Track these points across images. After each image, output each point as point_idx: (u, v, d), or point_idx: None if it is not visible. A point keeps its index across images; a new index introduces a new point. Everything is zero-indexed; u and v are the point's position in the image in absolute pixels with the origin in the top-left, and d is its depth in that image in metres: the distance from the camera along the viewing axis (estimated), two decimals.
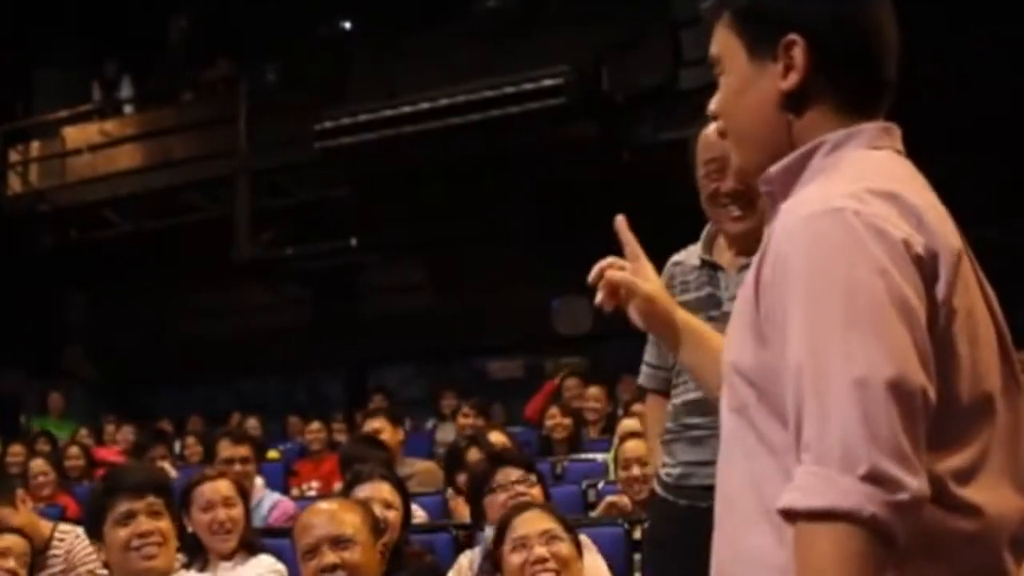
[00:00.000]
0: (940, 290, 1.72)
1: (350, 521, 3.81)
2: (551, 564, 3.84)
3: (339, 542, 3.73)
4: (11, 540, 4.82)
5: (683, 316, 2.41)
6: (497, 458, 4.93)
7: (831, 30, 1.86)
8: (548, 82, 11.07)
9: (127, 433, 11.78)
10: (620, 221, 2.28)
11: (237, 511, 4.81)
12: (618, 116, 11.42)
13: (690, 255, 3.65)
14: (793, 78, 1.87)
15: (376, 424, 7.35)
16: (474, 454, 5.86)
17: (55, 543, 5.26)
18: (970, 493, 1.75)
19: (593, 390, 9.64)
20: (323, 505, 3.98)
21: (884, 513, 1.58)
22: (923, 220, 1.73)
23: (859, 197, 1.72)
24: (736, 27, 1.94)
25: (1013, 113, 9.87)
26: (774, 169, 1.90)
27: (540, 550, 3.84)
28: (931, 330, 1.69)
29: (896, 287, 1.66)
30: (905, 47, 1.95)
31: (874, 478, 1.58)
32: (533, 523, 3.94)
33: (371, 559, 3.78)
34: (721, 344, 2.15)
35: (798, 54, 1.86)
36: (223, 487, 4.85)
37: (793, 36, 1.86)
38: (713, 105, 2.03)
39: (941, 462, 1.72)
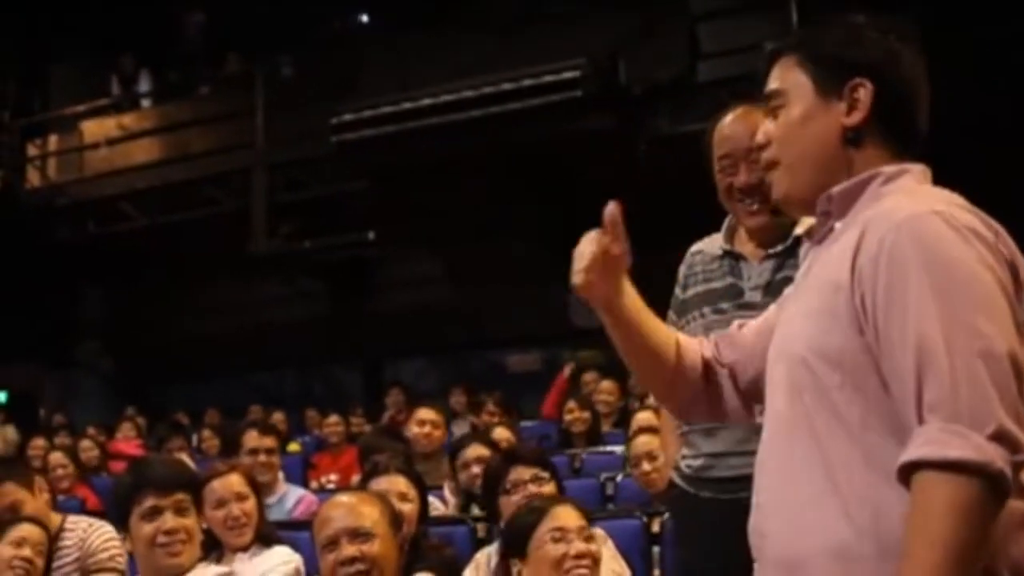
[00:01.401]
0: (1021, 294, 1.95)
1: (369, 514, 3.80)
2: (587, 561, 3.82)
3: (358, 535, 3.72)
4: (27, 529, 4.79)
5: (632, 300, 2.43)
6: (511, 456, 4.89)
7: (891, 80, 2.15)
8: (565, 75, 11.04)
9: (127, 430, 11.77)
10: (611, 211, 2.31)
11: (250, 504, 4.81)
12: (635, 109, 11.39)
13: (711, 244, 3.66)
14: (856, 116, 2.14)
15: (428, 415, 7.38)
16: (477, 450, 5.86)
17: (65, 534, 5.26)
18: None
19: (606, 383, 9.68)
20: (342, 498, 3.98)
21: (1008, 469, 1.77)
22: (999, 233, 1.98)
23: (949, 206, 1.98)
24: (807, 67, 2.21)
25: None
26: (836, 191, 2.14)
27: (581, 545, 3.83)
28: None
29: (1000, 280, 1.91)
30: None
31: (1001, 437, 1.78)
32: (571, 517, 3.92)
33: (390, 552, 3.77)
34: (660, 334, 2.39)
35: (864, 96, 2.13)
36: (235, 482, 4.84)
37: (861, 80, 2.14)
38: (762, 136, 2.26)
39: None
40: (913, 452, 1.81)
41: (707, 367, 2.42)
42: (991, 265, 1.90)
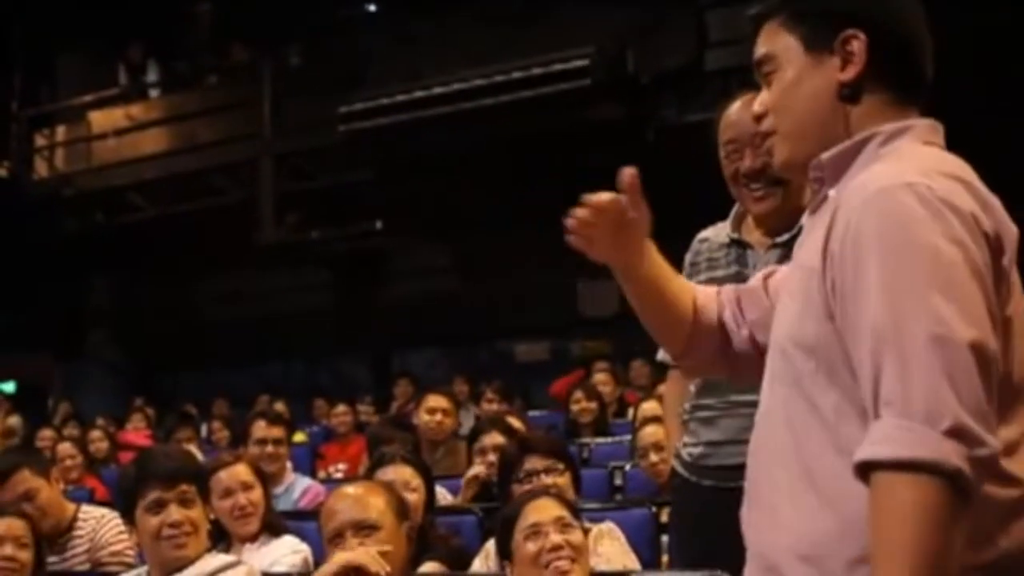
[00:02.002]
0: (1004, 268, 1.83)
1: (375, 505, 3.80)
2: (566, 552, 3.72)
3: (363, 527, 3.71)
4: (5, 525, 4.55)
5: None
6: (526, 445, 4.87)
7: (886, 28, 2.02)
8: (573, 64, 11.03)
9: (138, 420, 11.79)
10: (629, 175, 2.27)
11: (256, 494, 4.82)
12: (643, 97, 11.37)
13: (718, 232, 3.66)
14: (851, 70, 2.01)
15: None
16: (495, 437, 5.84)
17: (79, 524, 5.25)
18: (1014, 466, 1.81)
19: (600, 375, 9.70)
20: (348, 490, 3.97)
21: (966, 467, 1.66)
22: (988, 202, 1.85)
23: (929, 175, 1.83)
24: (792, 24, 2.09)
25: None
26: (826, 156, 2.02)
27: (555, 537, 3.73)
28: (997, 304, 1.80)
29: (972, 256, 1.77)
30: None
31: (957, 433, 1.67)
32: (546, 510, 3.83)
33: (397, 543, 3.76)
34: (682, 289, 2.33)
35: (857, 47, 2.01)
36: (241, 472, 4.86)
37: (853, 31, 2.01)
38: (758, 106, 2.16)
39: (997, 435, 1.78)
40: (867, 450, 1.72)
41: (723, 328, 2.34)
42: (960, 241, 1.76)
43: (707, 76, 10.83)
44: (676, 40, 11.12)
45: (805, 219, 2.17)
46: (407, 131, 11.83)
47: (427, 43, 12.39)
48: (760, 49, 2.15)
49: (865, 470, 1.72)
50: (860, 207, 1.83)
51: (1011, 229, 1.87)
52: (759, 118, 2.17)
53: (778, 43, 2.11)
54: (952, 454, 1.65)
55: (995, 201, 1.88)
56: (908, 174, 1.83)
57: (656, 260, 2.33)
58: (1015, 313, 1.83)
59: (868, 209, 1.82)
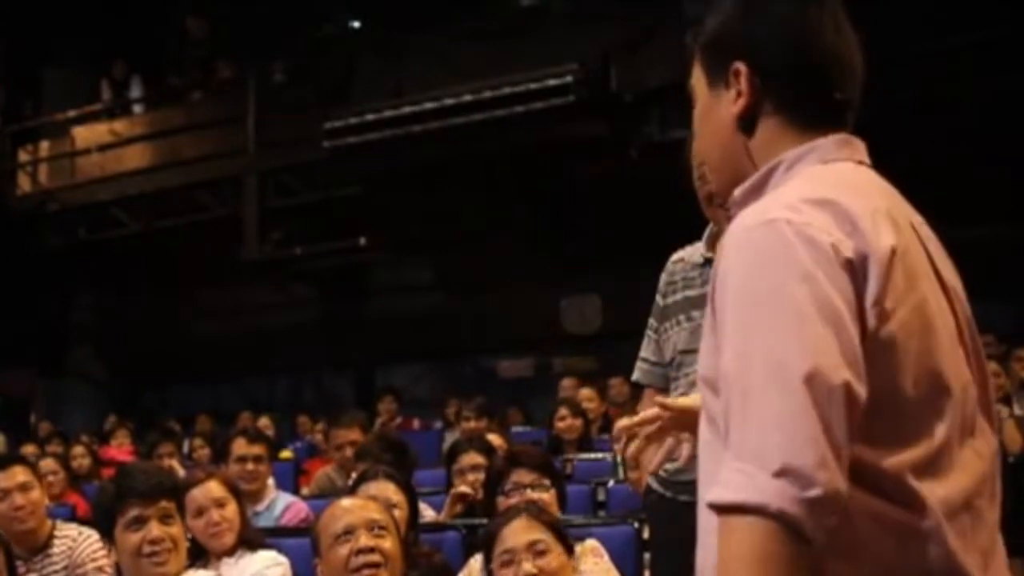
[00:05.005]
0: (872, 291, 1.77)
1: (381, 512, 3.87)
2: None
3: (375, 527, 3.75)
4: None
5: None
6: (514, 459, 4.88)
7: (775, 56, 1.99)
8: (556, 81, 11.06)
9: (122, 437, 11.74)
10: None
11: (230, 509, 4.81)
12: (626, 115, 11.40)
13: (693, 253, 3.70)
14: (740, 102, 2.00)
15: None
16: (473, 457, 5.83)
17: (55, 541, 5.25)
18: (932, 485, 1.78)
19: (585, 391, 9.71)
20: (350, 499, 4.01)
21: (794, 508, 1.62)
22: (857, 225, 1.80)
23: (793, 207, 1.80)
24: (700, 59, 2.10)
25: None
26: (738, 192, 2.02)
27: (527, 566, 3.73)
28: (864, 329, 1.75)
29: (820, 291, 1.72)
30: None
31: (786, 474, 1.63)
32: (520, 534, 3.82)
33: (399, 552, 3.80)
34: None
35: (744, 80, 1.99)
36: (213, 488, 4.85)
37: (739, 64, 1.99)
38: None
39: (898, 456, 1.76)
40: (711, 492, 1.72)
41: None
42: (811, 277, 1.72)
43: (690, 94, 10.85)
44: (659, 57, 11.13)
45: None
46: (391, 147, 11.84)
47: (411, 59, 12.41)
48: (690, 80, 2.16)
49: (715, 512, 1.71)
50: (730, 247, 1.83)
51: (882, 245, 1.80)
52: None
53: (695, 74, 2.13)
54: (776, 497, 1.63)
55: (872, 218, 1.82)
56: (773, 209, 1.81)
57: None
58: (900, 331, 1.80)
59: (731, 250, 1.82)
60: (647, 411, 2.48)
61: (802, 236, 1.75)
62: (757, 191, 1.98)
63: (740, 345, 1.74)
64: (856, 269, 1.77)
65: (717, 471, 1.80)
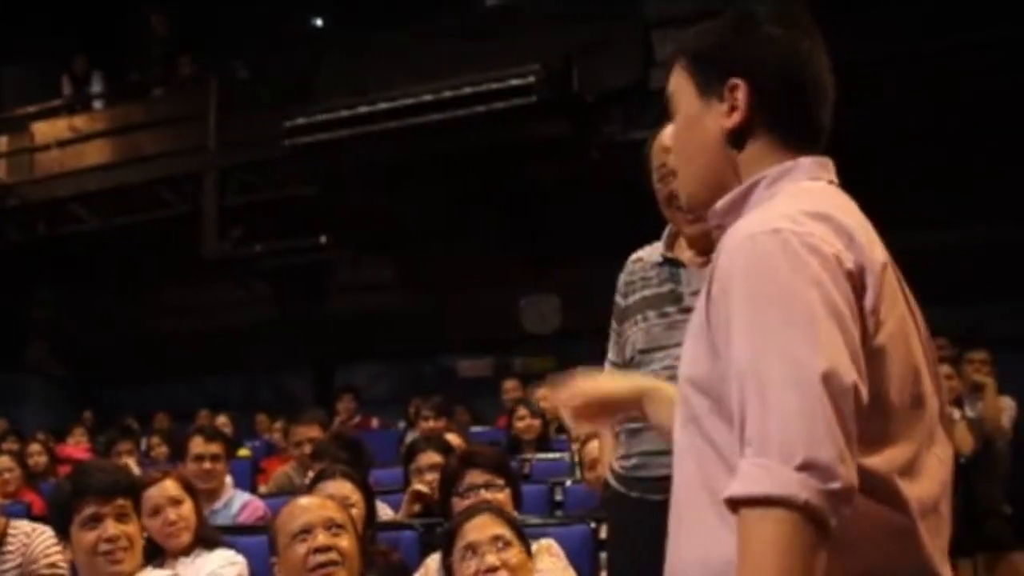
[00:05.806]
0: (869, 300, 1.88)
1: (339, 511, 3.88)
2: (503, 573, 3.73)
3: (332, 525, 3.74)
4: None
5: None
6: (468, 459, 4.87)
7: (772, 77, 2.07)
8: (518, 81, 11.07)
9: (79, 435, 11.69)
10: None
11: (186, 508, 4.82)
12: (588, 115, 11.43)
13: (652, 252, 3.73)
14: (736, 117, 2.07)
15: None
16: (431, 456, 5.83)
17: (9, 539, 5.21)
18: (911, 486, 1.88)
19: (542, 391, 9.69)
20: (307, 498, 4.01)
21: (817, 500, 1.70)
22: (853, 238, 1.90)
23: (795, 219, 1.88)
24: (689, 69, 2.15)
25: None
26: (720, 204, 2.09)
27: (491, 558, 3.74)
28: (863, 337, 1.85)
29: (829, 296, 1.81)
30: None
31: (809, 467, 1.71)
32: (483, 529, 3.84)
33: (356, 551, 3.80)
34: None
35: (741, 96, 2.06)
36: (169, 487, 4.85)
37: (737, 80, 2.06)
38: (667, 140, 2.18)
39: (885, 457, 1.87)
40: (730, 487, 1.77)
41: None
42: (819, 282, 1.82)
43: (652, 95, 10.86)
44: (621, 58, 11.17)
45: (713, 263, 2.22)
46: (352, 146, 11.82)
47: (373, 58, 12.39)
48: (668, 87, 2.21)
49: (732, 507, 1.77)
50: (732, 252, 1.89)
51: (875, 258, 1.91)
52: (668, 151, 2.23)
53: (678, 83, 2.18)
54: (803, 489, 1.70)
55: (863, 232, 1.93)
56: (776, 220, 1.89)
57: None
58: (889, 340, 1.89)
59: (737, 255, 1.88)
60: (566, 391, 2.51)
61: (807, 245, 1.84)
62: (739, 204, 2.06)
63: (755, 343, 1.81)
64: (856, 279, 1.86)
65: (707, 473, 1.92)
